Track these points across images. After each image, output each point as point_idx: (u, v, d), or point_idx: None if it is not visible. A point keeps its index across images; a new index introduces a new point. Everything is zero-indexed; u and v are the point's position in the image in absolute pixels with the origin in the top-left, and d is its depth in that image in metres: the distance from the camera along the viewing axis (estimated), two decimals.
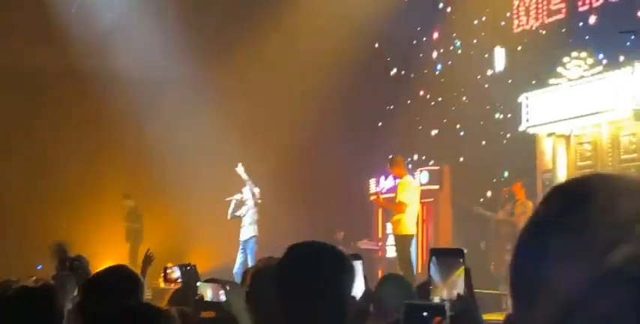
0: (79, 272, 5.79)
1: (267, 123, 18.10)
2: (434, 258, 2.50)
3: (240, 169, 14.56)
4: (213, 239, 16.49)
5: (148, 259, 6.73)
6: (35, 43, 17.64)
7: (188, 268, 5.93)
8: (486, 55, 16.91)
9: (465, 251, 2.55)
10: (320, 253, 2.74)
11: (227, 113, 17.66)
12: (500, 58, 16.63)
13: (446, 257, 2.53)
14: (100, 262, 8.61)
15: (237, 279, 12.09)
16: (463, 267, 2.51)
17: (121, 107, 17.67)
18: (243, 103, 17.96)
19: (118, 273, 3.96)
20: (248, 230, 14.50)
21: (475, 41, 17.34)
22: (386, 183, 17.92)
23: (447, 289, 2.48)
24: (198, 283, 5.60)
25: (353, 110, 18.44)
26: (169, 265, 6.04)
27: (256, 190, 14.66)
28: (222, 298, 5.30)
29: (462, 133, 17.43)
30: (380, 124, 19.39)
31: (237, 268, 14.03)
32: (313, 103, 17.67)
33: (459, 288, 2.50)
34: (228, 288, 5.49)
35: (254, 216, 14.59)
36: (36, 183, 17.63)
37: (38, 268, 14.30)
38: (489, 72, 16.90)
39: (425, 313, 2.37)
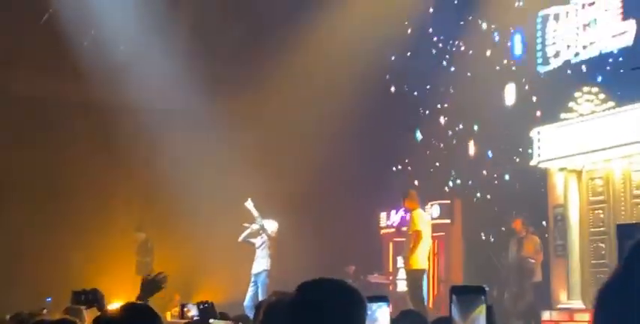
0: (95, 306, 5.76)
1: (278, 155, 18.09)
2: (454, 296, 2.47)
3: (249, 205, 14.49)
4: (223, 272, 16.45)
5: (152, 284, 6.55)
6: (46, 73, 17.71)
7: (206, 305, 5.92)
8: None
9: (487, 289, 2.52)
10: (331, 290, 2.73)
11: (238, 145, 17.69)
12: (510, 93, 16.61)
13: (467, 295, 2.50)
14: (111, 296, 8.57)
15: (248, 312, 12.06)
16: (484, 305, 2.48)
17: (132, 138, 17.70)
18: (255, 136, 17.99)
19: (136, 312, 3.89)
20: (260, 264, 14.41)
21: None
22: (396, 217, 17.90)
23: None
24: (211, 321, 5.57)
25: (365, 145, 18.43)
26: (186, 302, 6.04)
27: (271, 226, 14.57)
28: None
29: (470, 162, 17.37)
30: (393, 163, 19.35)
31: (247, 301, 13.95)
32: (325, 137, 17.69)
33: None
34: None
35: (267, 249, 14.51)
36: (46, 215, 17.59)
37: (48, 300, 14.26)
38: (503, 104, 16.86)
39: None
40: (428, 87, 18.56)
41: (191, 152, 17.54)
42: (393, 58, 18.64)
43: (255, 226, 14.47)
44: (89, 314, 5.92)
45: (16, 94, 17.27)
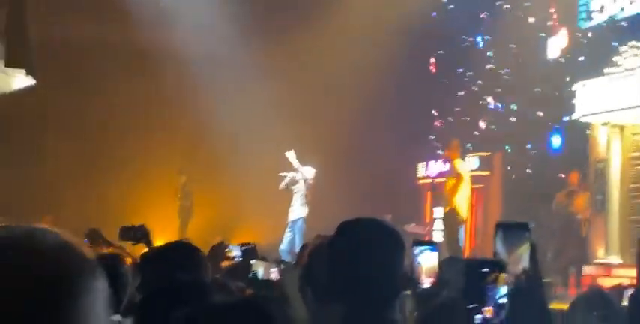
0: (142, 241, 5.88)
1: (319, 106, 18.10)
2: (499, 232, 2.50)
3: (291, 155, 14.58)
4: (261, 218, 16.60)
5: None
6: (90, 18, 17.80)
7: (248, 247, 6.00)
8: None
9: (532, 226, 2.54)
10: (370, 228, 2.76)
11: (278, 95, 17.71)
12: (556, 46, 16.43)
13: (511, 231, 2.52)
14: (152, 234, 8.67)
15: (284, 256, 12.26)
16: (529, 242, 2.50)
17: (175, 83, 17.81)
18: (297, 85, 17.97)
19: (180, 248, 3.98)
20: (298, 211, 14.61)
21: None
22: (435, 167, 17.89)
23: (512, 264, 2.48)
24: (252, 261, 5.65)
25: (404, 95, 18.37)
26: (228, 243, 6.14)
27: (309, 173, 14.68)
28: (273, 276, 5.34)
29: (512, 119, 17.26)
30: (433, 112, 19.29)
31: (284, 245, 14.19)
32: (364, 88, 17.63)
33: (524, 262, 2.50)
34: (282, 267, 5.54)
35: (304, 198, 14.63)
36: (92, 157, 17.86)
37: (85, 241, 14.49)
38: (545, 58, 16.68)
39: (484, 269, 2.38)
40: (468, 40, 18.43)
41: (233, 100, 17.60)
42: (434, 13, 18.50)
43: (291, 175, 14.59)
44: (136, 249, 6.04)
45: (64, 38, 17.37)
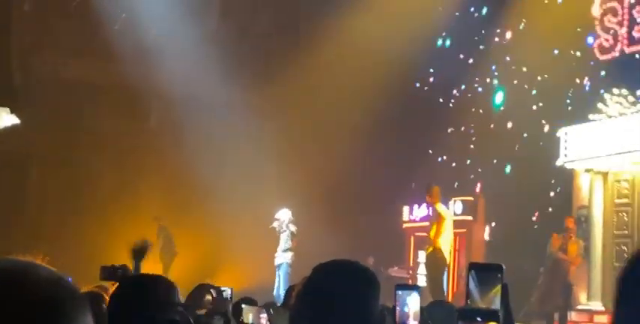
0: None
1: (303, 148, 18.10)
2: (472, 272, 2.48)
3: (285, 215, 14.87)
4: (245, 259, 16.48)
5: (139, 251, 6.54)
6: (78, 55, 17.85)
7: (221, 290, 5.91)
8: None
9: (504, 267, 2.52)
10: (344, 271, 2.73)
11: (263, 134, 17.74)
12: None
13: (485, 272, 2.50)
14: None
15: (277, 300, 12.26)
16: (501, 283, 2.48)
17: (160, 122, 17.82)
18: (279, 126, 18.01)
19: (155, 281, 3.92)
20: (281, 256, 14.81)
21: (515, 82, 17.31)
22: (419, 211, 17.87)
23: (485, 305, 2.46)
24: (243, 306, 5.56)
25: (390, 139, 18.44)
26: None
27: (285, 215, 14.83)
28: (263, 322, 5.27)
29: (495, 162, 17.31)
30: (417, 154, 19.35)
31: (275, 290, 14.29)
32: (351, 131, 17.70)
33: (496, 304, 2.47)
34: (272, 311, 5.48)
35: (287, 244, 14.77)
36: (75, 194, 17.77)
37: (68, 280, 14.36)
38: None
39: (479, 319, 2.36)
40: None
41: (218, 139, 17.60)
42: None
43: (275, 224, 14.86)
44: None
45: (48, 76, 17.38)
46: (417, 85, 19.29)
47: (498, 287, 2.49)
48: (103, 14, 17.16)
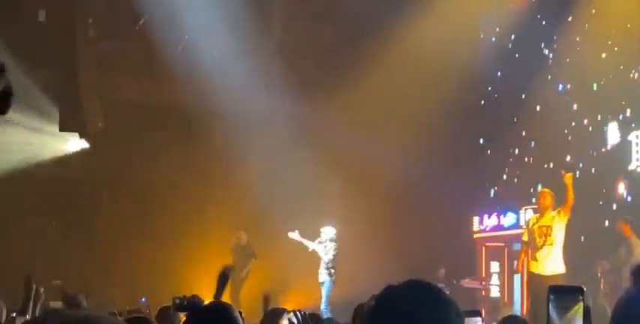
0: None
1: (368, 160, 18.01)
2: (552, 296, 2.40)
3: (295, 236, 15.41)
4: (309, 277, 16.39)
5: (224, 277, 6.50)
6: (141, 79, 18.06)
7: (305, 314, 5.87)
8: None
9: (585, 289, 2.43)
10: (419, 295, 2.52)
11: (328, 149, 17.70)
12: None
13: (564, 295, 2.42)
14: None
15: (324, 315, 12.44)
16: (582, 305, 2.39)
17: (224, 143, 17.89)
18: (345, 140, 17.93)
19: (217, 311, 3.90)
20: (322, 275, 15.14)
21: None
22: (489, 221, 17.69)
23: None
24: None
25: (459, 147, 18.26)
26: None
27: (329, 232, 15.23)
28: None
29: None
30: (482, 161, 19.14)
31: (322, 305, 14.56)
32: (418, 141, 17.54)
33: None
34: None
35: (327, 263, 15.10)
36: (143, 219, 17.89)
37: (142, 300, 14.51)
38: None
39: None
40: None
41: (281, 156, 17.60)
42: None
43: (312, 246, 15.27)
44: None
45: (115, 100, 17.63)
46: (489, 88, 19.04)
47: (579, 308, 2.40)
48: (165, 36, 17.33)
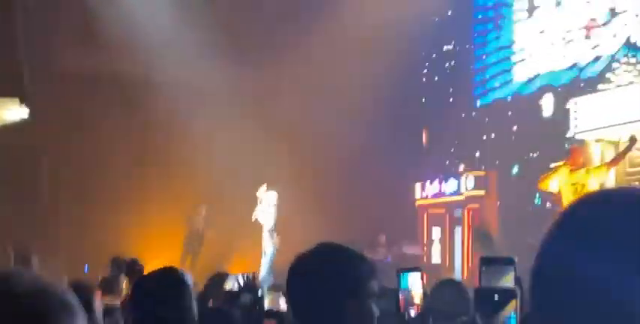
0: (135, 275, 5.85)
1: (311, 127, 18.05)
2: (483, 267, 2.47)
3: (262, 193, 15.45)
4: (253, 247, 16.49)
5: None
6: (83, 46, 17.83)
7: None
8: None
9: (516, 259, 2.50)
10: (328, 255, 2.66)
11: (272, 116, 17.71)
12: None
13: (496, 266, 2.49)
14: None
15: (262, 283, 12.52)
16: (514, 275, 2.47)
17: (167, 112, 17.80)
18: (289, 107, 17.93)
19: (164, 277, 3.93)
20: (265, 241, 15.37)
21: None
22: (431, 188, 17.86)
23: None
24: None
25: (401, 113, 18.39)
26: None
27: (271, 196, 15.43)
28: (283, 306, 5.26)
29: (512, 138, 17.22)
30: (425, 127, 19.30)
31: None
32: (362, 108, 17.59)
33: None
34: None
35: (271, 229, 15.35)
36: (86, 184, 17.82)
37: (85, 269, 14.45)
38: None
39: (496, 297, 2.36)
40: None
41: (221, 127, 17.55)
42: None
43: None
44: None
45: (54, 68, 17.39)
46: (433, 55, 19.18)
47: (509, 278, 2.47)
48: (107, 5, 17.14)
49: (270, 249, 15.15)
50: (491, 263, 2.52)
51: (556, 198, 11.87)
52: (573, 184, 11.31)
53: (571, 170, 11.48)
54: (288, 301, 3.20)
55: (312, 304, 2.57)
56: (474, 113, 18.39)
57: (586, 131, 14.06)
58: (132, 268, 6.50)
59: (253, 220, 15.46)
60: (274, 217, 15.25)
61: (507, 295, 2.42)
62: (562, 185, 11.46)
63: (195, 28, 17.33)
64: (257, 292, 4.59)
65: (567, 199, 11.16)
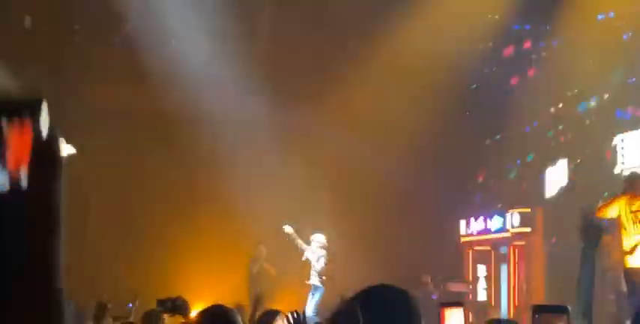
0: (179, 313, 5.87)
1: (356, 164, 18.04)
2: (536, 316, 2.44)
3: (289, 229, 15.32)
4: (296, 285, 16.42)
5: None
6: (125, 84, 18.02)
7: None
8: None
9: (570, 308, 2.46)
10: (388, 296, 2.72)
11: (316, 154, 17.75)
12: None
13: (548, 314, 2.45)
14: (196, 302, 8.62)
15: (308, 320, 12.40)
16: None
17: (211, 150, 17.87)
18: (332, 145, 17.96)
19: (212, 316, 3.94)
20: (314, 279, 15.26)
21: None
22: (476, 225, 17.73)
23: None
24: None
25: (445, 151, 18.32)
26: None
27: (319, 239, 15.25)
28: None
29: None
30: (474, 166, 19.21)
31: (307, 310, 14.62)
32: (405, 144, 17.59)
33: None
34: None
35: (317, 268, 15.18)
36: (124, 221, 17.90)
37: (129, 306, 14.46)
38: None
39: None
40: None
41: (265, 164, 17.60)
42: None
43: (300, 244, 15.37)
44: (174, 321, 6.03)
45: (99, 106, 17.59)
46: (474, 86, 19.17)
47: None
48: (150, 41, 17.33)
49: (319, 289, 15.11)
50: (542, 311, 2.49)
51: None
52: (632, 212, 11.06)
53: (630, 197, 11.23)
54: None
55: None
56: None
57: (633, 168, 13.89)
58: (174, 303, 6.50)
59: (303, 259, 15.42)
60: (325, 258, 15.21)
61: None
62: (622, 213, 11.22)
63: (236, 62, 17.45)
64: None
65: (627, 225, 10.90)
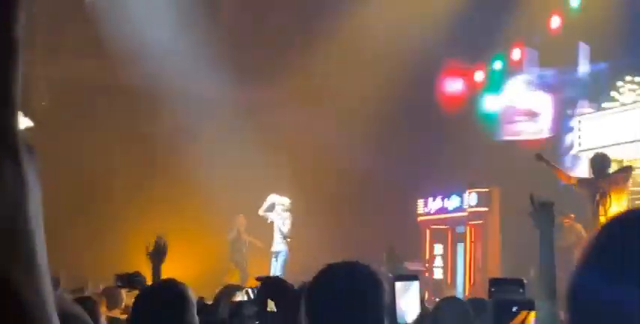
0: (137, 288, 5.86)
1: (315, 143, 18.08)
2: (493, 288, 2.47)
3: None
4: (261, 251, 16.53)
5: (159, 249, 6.71)
6: (86, 57, 17.87)
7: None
8: None
9: (526, 281, 2.50)
10: (353, 273, 2.73)
11: (276, 132, 17.75)
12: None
13: (505, 286, 2.49)
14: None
15: None
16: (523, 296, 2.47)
17: (172, 124, 17.81)
18: (293, 124, 17.98)
19: (165, 291, 3.93)
20: (278, 245, 15.49)
21: None
22: (434, 204, 17.85)
23: None
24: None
25: (406, 130, 18.38)
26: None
27: (283, 201, 15.49)
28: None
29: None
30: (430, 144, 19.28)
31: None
32: (365, 124, 17.64)
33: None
34: None
35: (281, 232, 15.45)
36: (82, 195, 17.79)
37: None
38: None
39: (514, 308, 2.37)
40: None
41: (225, 141, 17.57)
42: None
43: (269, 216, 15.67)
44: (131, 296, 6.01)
45: (58, 78, 17.43)
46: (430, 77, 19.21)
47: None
48: (111, 16, 17.19)
49: (283, 254, 15.20)
50: (500, 284, 2.53)
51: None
52: (600, 194, 11.61)
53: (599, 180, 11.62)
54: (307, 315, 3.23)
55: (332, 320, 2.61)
56: None
57: (589, 149, 14.06)
58: (131, 278, 6.48)
59: (268, 222, 15.53)
60: (290, 221, 15.30)
61: (525, 306, 2.44)
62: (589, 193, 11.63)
63: (199, 40, 17.37)
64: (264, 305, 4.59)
65: (594, 207, 11.49)
